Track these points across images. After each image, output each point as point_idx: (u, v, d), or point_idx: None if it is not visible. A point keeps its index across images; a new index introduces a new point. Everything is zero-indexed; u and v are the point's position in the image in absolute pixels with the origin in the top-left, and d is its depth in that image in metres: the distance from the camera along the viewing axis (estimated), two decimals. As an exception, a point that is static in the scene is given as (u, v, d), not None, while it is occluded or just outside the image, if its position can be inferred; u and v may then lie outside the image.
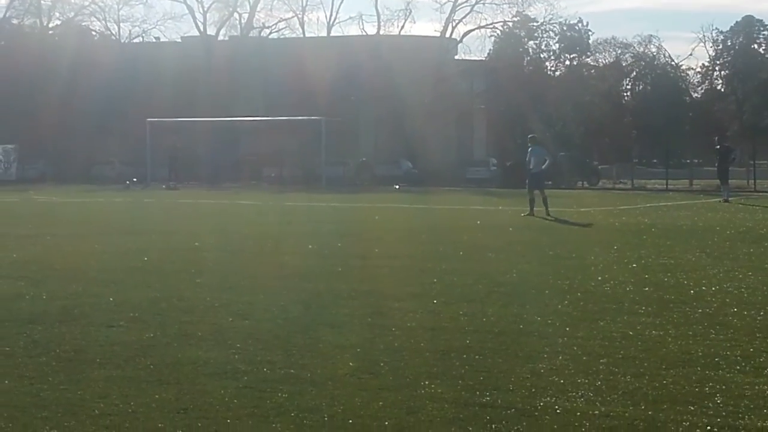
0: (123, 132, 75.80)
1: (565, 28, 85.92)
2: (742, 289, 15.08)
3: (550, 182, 43.25)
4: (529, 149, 34.80)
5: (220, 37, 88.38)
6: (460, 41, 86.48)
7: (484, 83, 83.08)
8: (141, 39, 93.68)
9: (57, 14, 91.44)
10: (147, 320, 12.32)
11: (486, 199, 42.58)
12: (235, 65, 78.66)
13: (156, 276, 16.60)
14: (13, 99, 76.44)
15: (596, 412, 8.15)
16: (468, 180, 69.35)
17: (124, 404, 8.31)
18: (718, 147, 49.08)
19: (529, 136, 36.12)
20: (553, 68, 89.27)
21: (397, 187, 61.70)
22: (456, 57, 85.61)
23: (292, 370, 9.54)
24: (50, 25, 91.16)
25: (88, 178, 71.69)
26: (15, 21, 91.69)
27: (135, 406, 8.23)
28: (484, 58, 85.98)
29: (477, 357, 10.15)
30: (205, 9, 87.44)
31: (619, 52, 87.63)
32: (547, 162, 34.31)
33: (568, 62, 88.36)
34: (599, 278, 16.38)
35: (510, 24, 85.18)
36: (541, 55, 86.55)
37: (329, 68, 73.69)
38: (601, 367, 9.68)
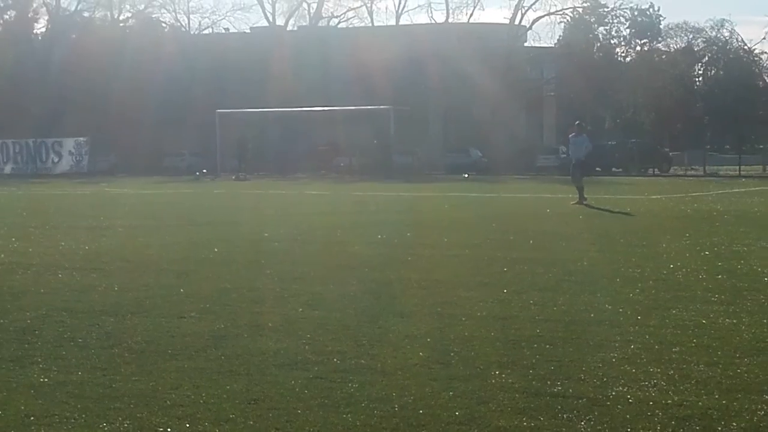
0: (192, 123, 76.27)
1: (635, 14, 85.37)
2: (818, 276, 14.88)
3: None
4: (572, 136, 34.41)
5: (289, 28, 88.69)
6: (530, 28, 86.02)
7: (553, 70, 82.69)
8: (210, 30, 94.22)
9: (127, 7, 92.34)
10: (217, 311, 12.37)
11: (556, 187, 42.37)
12: (303, 55, 78.77)
13: (226, 267, 16.67)
14: (84, 92, 77.14)
15: (669, 401, 8.07)
16: (538, 168, 69.00)
17: (196, 395, 8.35)
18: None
19: (576, 122, 35.70)
20: (623, 54, 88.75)
21: (466, 175, 61.55)
22: (525, 44, 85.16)
23: (362, 361, 9.54)
24: (120, 18, 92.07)
25: (158, 170, 72.22)
26: (86, 14, 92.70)
27: (206, 397, 8.27)
28: (553, 45, 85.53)
29: (547, 346, 10.09)
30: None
31: (691, 36, 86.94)
32: (587, 150, 33.85)
33: (638, 48, 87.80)
34: (671, 266, 16.22)
35: (580, 10, 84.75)
36: (612, 41, 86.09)
37: (398, 57, 73.60)
38: (673, 356, 9.59)
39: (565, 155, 71.17)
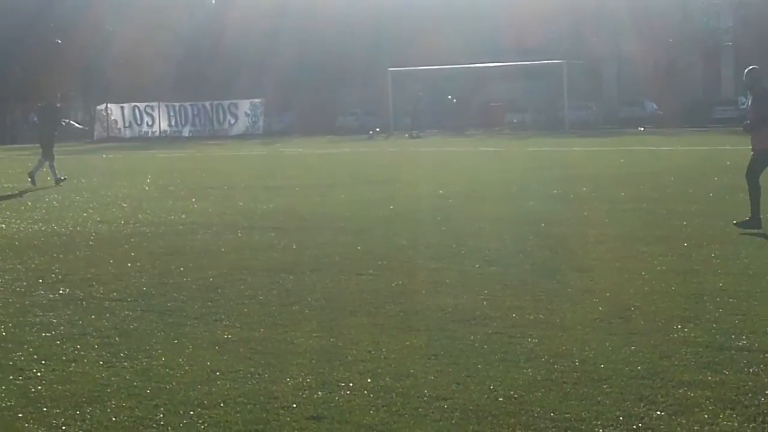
0: (365, 82, 76.64)
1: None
2: None
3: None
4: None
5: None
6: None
7: (730, 19, 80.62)
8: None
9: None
10: (395, 268, 12.44)
11: (735, 139, 41.36)
12: (473, 11, 78.38)
13: (402, 224, 16.74)
14: (257, 54, 78.21)
15: None
16: (716, 120, 67.53)
17: (376, 350, 8.41)
18: None
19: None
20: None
21: (642, 129, 60.63)
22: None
23: (540, 316, 9.49)
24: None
25: (332, 130, 72.88)
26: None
27: (386, 353, 8.32)
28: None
29: (731, 300, 9.88)
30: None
31: None
32: None
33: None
34: None
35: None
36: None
37: (570, 9, 72.74)
38: None
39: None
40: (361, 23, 79.61)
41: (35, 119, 44.32)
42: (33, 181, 27.60)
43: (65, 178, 28.55)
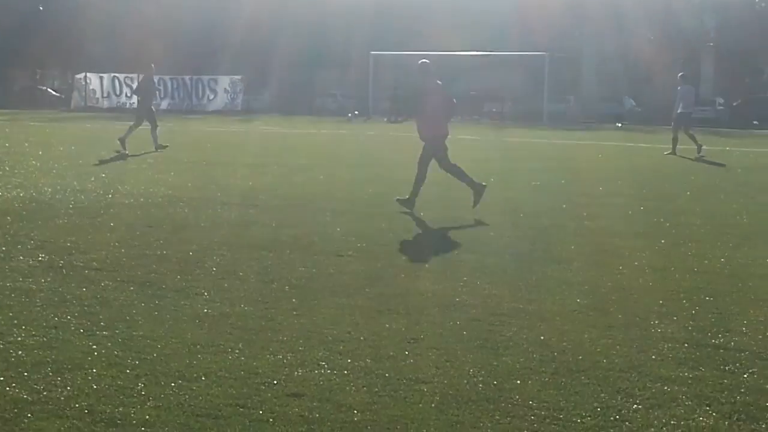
0: (344, 64, 76.52)
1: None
2: None
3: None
4: (678, 89, 33.65)
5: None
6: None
7: (714, 20, 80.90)
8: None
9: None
10: (374, 251, 12.48)
11: (713, 139, 41.51)
12: (455, 1, 78.39)
13: (381, 207, 16.77)
14: (236, 31, 77.98)
15: (836, 359, 7.94)
16: (693, 119, 67.60)
17: (356, 332, 8.45)
18: None
19: (680, 74, 34.89)
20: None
21: (620, 125, 60.76)
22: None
23: (519, 305, 9.55)
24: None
25: (309, 110, 72.81)
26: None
27: (366, 334, 8.37)
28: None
29: (708, 298, 9.97)
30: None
31: None
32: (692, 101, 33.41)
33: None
34: (835, 223, 15.87)
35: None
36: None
37: (553, 2, 72.82)
38: (839, 314, 9.42)
39: (721, 107, 70.11)
40: (343, 4, 79.51)
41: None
42: None
43: None
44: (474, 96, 73.22)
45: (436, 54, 71.59)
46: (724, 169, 27.35)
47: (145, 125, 30.07)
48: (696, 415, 6.52)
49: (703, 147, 31.52)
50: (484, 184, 17.09)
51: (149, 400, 6.62)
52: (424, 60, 17.51)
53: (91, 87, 75.34)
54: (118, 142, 28.80)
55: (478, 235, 13.95)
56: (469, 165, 26.85)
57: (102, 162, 24.83)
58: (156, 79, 34.19)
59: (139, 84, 33.19)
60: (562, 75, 70.56)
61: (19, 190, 18.31)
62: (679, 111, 32.96)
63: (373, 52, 68.95)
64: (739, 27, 74.85)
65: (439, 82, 17.35)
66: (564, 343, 8.19)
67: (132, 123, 30.27)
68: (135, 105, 33.97)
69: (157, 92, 37.50)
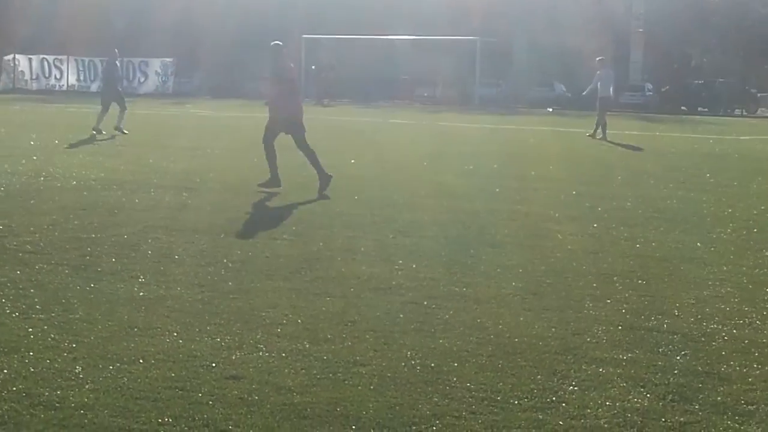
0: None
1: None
2: None
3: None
4: (597, 73, 34.10)
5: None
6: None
7: (642, 6, 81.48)
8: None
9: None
10: (309, 234, 12.51)
11: (642, 124, 41.95)
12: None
13: (315, 191, 16.75)
14: (169, 13, 77.41)
15: (764, 340, 8.08)
16: (623, 105, 68.26)
17: (293, 315, 8.48)
18: None
19: (598, 58, 35.33)
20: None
21: (550, 110, 61.15)
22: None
23: (455, 288, 9.62)
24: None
25: (240, 93, 72.52)
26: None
27: (304, 317, 8.40)
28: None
29: (640, 282, 10.11)
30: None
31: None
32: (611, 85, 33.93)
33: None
34: (762, 207, 16.13)
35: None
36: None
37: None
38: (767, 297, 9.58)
39: (650, 93, 70.69)
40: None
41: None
42: None
43: None
44: (406, 80, 73.34)
45: (369, 38, 71.91)
46: (654, 154, 27.63)
47: (114, 108, 29.79)
48: (630, 396, 6.62)
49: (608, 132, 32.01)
50: (331, 175, 16.99)
51: (87, 383, 6.60)
52: (276, 42, 17.82)
53: (20, 69, 74.52)
54: (94, 132, 28.38)
55: (413, 219, 14.00)
56: (402, 149, 27.04)
57: (33, 145, 24.56)
58: (117, 62, 33.44)
59: (104, 68, 32.94)
60: (493, 60, 70.72)
61: (-52, 172, 18.12)
62: (600, 95, 33.23)
63: (305, 36, 68.77)
64: (668, 13, 75.50)
65: (292, 65, 18.07)
66: (500, 326, 8.27)
67: (100, 110, 29.93)
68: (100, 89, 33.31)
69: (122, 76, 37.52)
